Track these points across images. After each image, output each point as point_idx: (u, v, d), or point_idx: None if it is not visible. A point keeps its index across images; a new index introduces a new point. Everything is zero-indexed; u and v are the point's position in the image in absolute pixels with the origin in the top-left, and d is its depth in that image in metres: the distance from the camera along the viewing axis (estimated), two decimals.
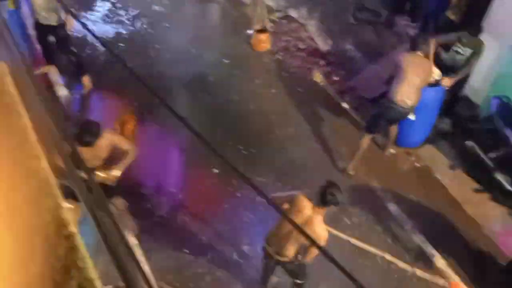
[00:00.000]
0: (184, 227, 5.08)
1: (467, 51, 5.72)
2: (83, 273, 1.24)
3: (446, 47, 5.90)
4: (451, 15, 6.83)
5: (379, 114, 5.44)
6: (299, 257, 3.97)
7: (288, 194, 4.32)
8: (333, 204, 3.76)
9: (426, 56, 5.43)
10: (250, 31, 7.37)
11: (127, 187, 5.12)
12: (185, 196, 5.36)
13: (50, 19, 5.82)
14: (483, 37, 5.65)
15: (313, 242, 3.03)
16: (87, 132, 4.04)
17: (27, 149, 1.42)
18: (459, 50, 5.76)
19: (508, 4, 5.62)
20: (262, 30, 7.17)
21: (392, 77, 5.38)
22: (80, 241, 1.29)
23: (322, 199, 3.72)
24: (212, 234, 5.03)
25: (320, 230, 3.73)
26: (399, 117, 5.40)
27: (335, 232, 4.70)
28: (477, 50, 5.63)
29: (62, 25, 5.94)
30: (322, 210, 3.77)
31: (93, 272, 1.24)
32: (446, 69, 5.81)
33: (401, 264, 4.87)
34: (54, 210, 1.35)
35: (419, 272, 4.82)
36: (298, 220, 3.79)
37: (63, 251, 1.32)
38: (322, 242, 3.66)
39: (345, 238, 4.90)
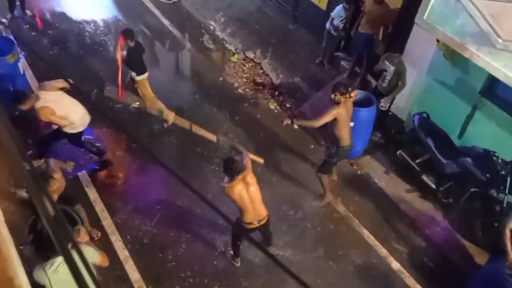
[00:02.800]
0: (166, 238, 5.60)
1: (391, 67, 6.29)
2: None
3: (377, 75, 6.57)
4: (378, 52, 7.43)
5: (332, 159, 5.84)
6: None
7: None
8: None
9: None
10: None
11: (119, 208, 5.83)
12: (166, 210, 5.88)
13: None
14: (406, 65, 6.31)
15: None
16: None
17: None
18: (385, 66, 6.35)
19: (420, 39, 6.22)
20: None
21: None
22: None
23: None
24: (191, 242, 5.57)
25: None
26: (348, 154, 5.99)
27: None
28: (398, 67, 6.23)
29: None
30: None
31: None
32: (381, 92, 6.50)
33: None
34: None
35: None
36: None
37: None
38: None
39: None
